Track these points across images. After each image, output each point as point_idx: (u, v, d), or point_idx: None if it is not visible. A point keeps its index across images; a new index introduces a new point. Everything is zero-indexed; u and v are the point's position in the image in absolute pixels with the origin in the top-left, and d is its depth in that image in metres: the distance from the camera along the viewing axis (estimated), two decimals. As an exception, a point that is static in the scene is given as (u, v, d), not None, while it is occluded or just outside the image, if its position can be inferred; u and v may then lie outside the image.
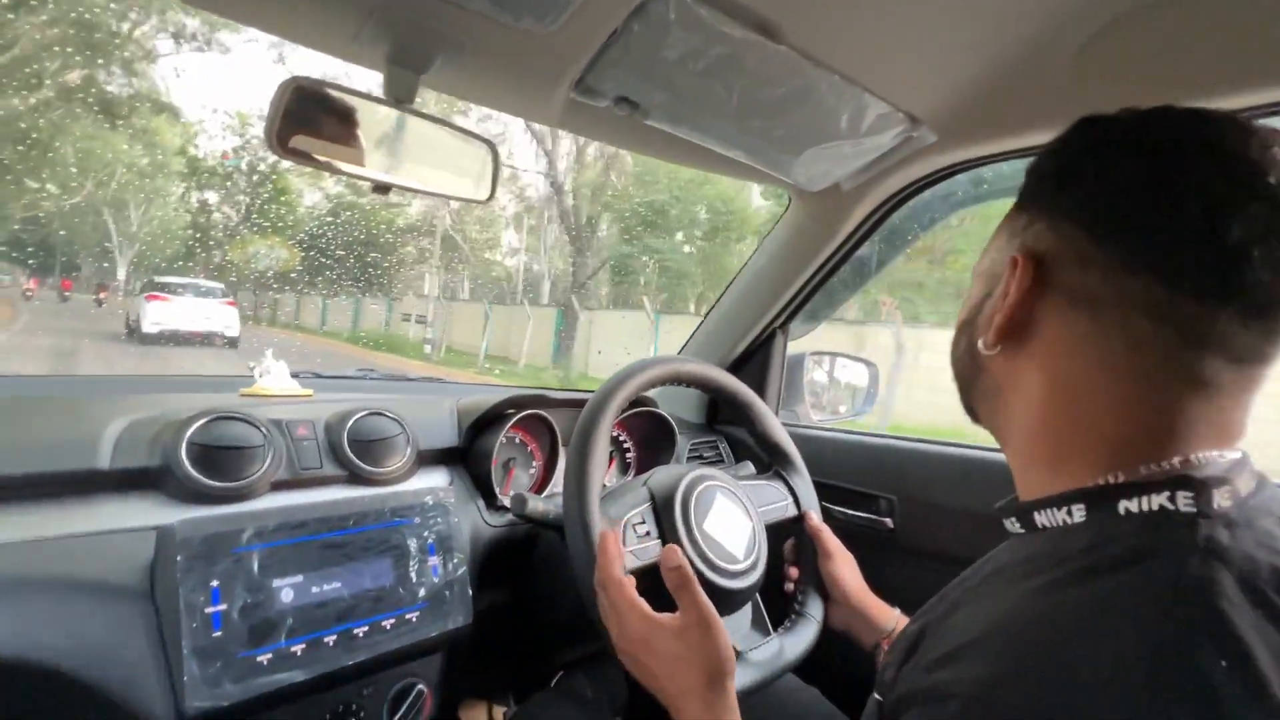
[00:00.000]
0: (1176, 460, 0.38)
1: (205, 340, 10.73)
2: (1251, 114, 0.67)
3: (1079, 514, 0.39)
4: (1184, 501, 0.36)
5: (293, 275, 19.15)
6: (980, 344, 0.45)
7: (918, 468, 1.07)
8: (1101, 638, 0.31)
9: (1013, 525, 0.44)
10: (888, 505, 1.09)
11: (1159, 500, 0.36)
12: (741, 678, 0.69)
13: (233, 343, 10.95)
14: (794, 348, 1.34)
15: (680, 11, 0.62)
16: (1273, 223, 0.35)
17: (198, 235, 20.28)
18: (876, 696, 0.45)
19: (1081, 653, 0.31)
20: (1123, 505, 0.37)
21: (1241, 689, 0.29)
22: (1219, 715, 0.29)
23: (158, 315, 10.35)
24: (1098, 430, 0.40)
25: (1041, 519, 0.41)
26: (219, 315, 10.99)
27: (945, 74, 0.73)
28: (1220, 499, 0.36)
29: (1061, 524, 0.40)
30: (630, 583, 0.64)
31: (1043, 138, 0.80)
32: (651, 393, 1.29)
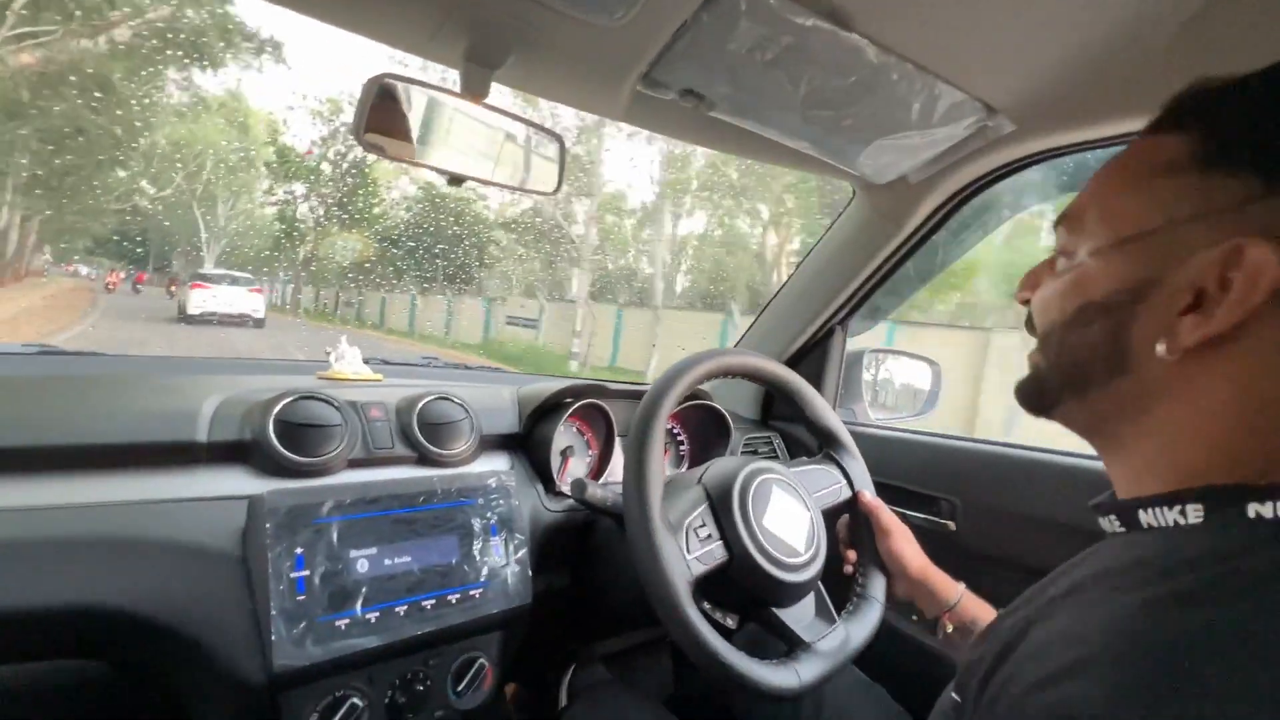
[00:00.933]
0: None
1: (238, 321, 13.03)
2: None
3: (1195, 515, 0.35)
4: None
5: (381, 271, 18.84)
6: (1160, 348, 0.36)
7: (981, 469, 1.03)
8: (1239, 664, 0.28)
9: (1111, 524, 0.40)
10: (949, 507, 1.06)
11: None
12: (810, 669, 0.69)
13: (259, 323, 13.26)
14: (854, 344, 1.32)
15: (751, 2, 0.62)
16: None
17: (284, 229, 20.43)
18: (955, 697, 0.41)
19: (1217, 679, 0.28)
20: (1252, 508, 0.33)
21: None
22: None
23: (200, 300, 12.73)
24: (1264, 443, 0.35)
25: (1147, 518, 0.37)
26: (248, 300, 13.40)
27: (1026, 60, 0.71)
28: None
29: (1173, 524, 0.36)
30: None
31: (1134, 124, 0.76)
32: (707, 387, 1.30)
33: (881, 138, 0.84)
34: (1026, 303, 0.46)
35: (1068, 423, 0.44)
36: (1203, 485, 0.35)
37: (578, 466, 1.08)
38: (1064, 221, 0.44)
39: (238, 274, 14.64)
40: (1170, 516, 0.36)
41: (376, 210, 18.85)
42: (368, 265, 18.86)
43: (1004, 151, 0.87)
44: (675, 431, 1.20)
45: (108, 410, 0.70)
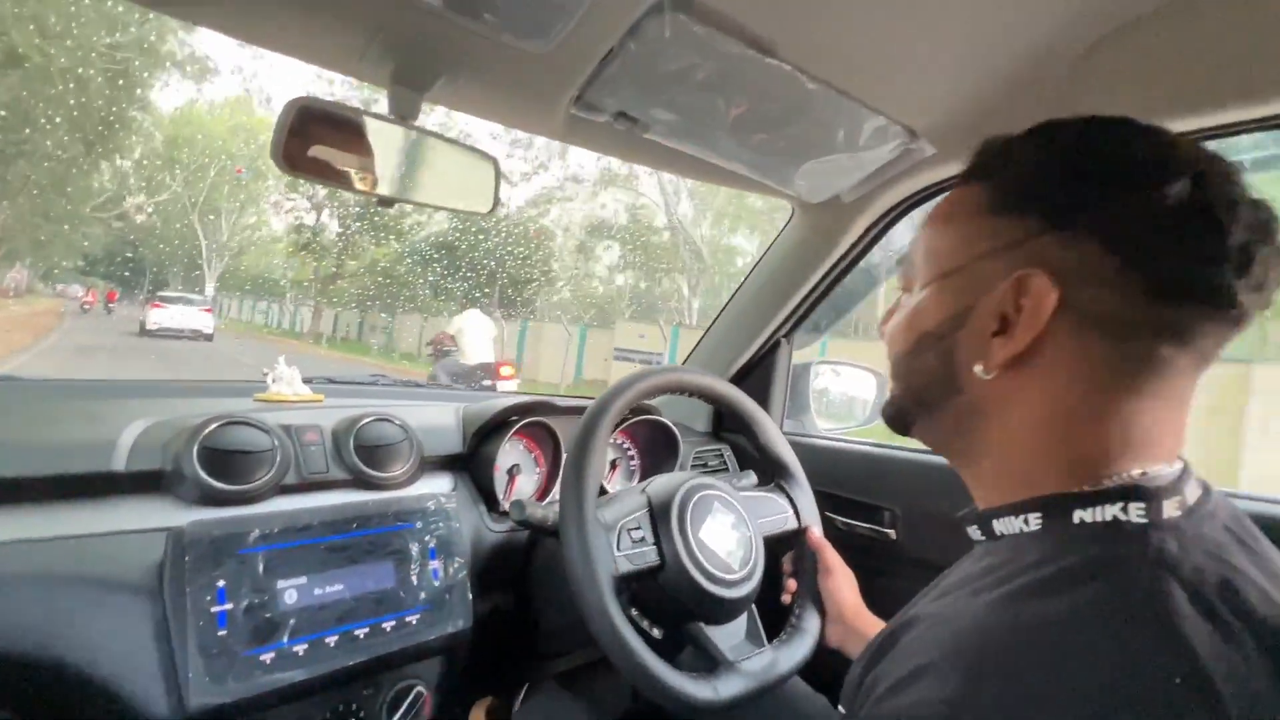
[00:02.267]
0: (1136, 471, 0.38)
1: (190, 336, 15.04)
2: (1244, 128, 0.67)
3: (1035, 522, 0.39)
4: (1136, 512, 0.36)
5: (413, 292, 16.77)
6: (978, 368, 0.41)
7: (920, 478, 1.06)
8: (1060, 654, 0.32)
9: (975, 533, 0.44)
10: (890, 516, 1.08)
11: (1112, 510, 0.37)
12: (730, 686, 0.69)
13: (209, 338, 15.37)
14: (799, 357, 1.34)
15: (675, 30, 0.64)
16: (1274, 259, 0.37)
17: (299, 245, 18.44)
18: (840, 709, 0.45)
19: (1042, 670, 0.31)
20: (1077, 515, 0.38)
21: (1196, 704, 0.29)
22: None
23: (156, 318, 14.95)
24: (1079, 447, 0.40)
25: (1000, 527, 0.42)
26: (199, 319, 15.53)
27: (941, 88, 0.74)
28: (1170, 509, 0.37)
29: (1019, 532, 0.40)
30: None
31: None
32: (659, 401, 1.31)
33: (812, 160, 0.87)
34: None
35: (924, 440, 0.49)
36: (1040, 495, 0.40)
37: (526, 484, 1.07)
38: (904, 264, 0.50)
39: (192, 296, 17.38)
40: (1016, 524, 0.41)
41: (408, 222, 16.87)
42: (398, 285, 16.99)
43: (929, 173, 0.91)
44: (625, 446, 1.20)
45: (16, 441, 0.67)
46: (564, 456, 1.09)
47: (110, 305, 21.85)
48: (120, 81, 14.20)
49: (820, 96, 0.74)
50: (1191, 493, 0.38)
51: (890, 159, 0.86)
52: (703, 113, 0.77)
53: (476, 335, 6.17)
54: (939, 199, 0.48)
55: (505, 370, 5.69)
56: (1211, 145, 0.70)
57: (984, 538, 0.43)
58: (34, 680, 0.58)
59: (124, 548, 0.65)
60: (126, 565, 0.64)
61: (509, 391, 1.28)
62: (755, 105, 0.76)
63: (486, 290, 15.04)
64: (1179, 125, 0.72)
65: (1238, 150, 0.78)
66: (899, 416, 0.50)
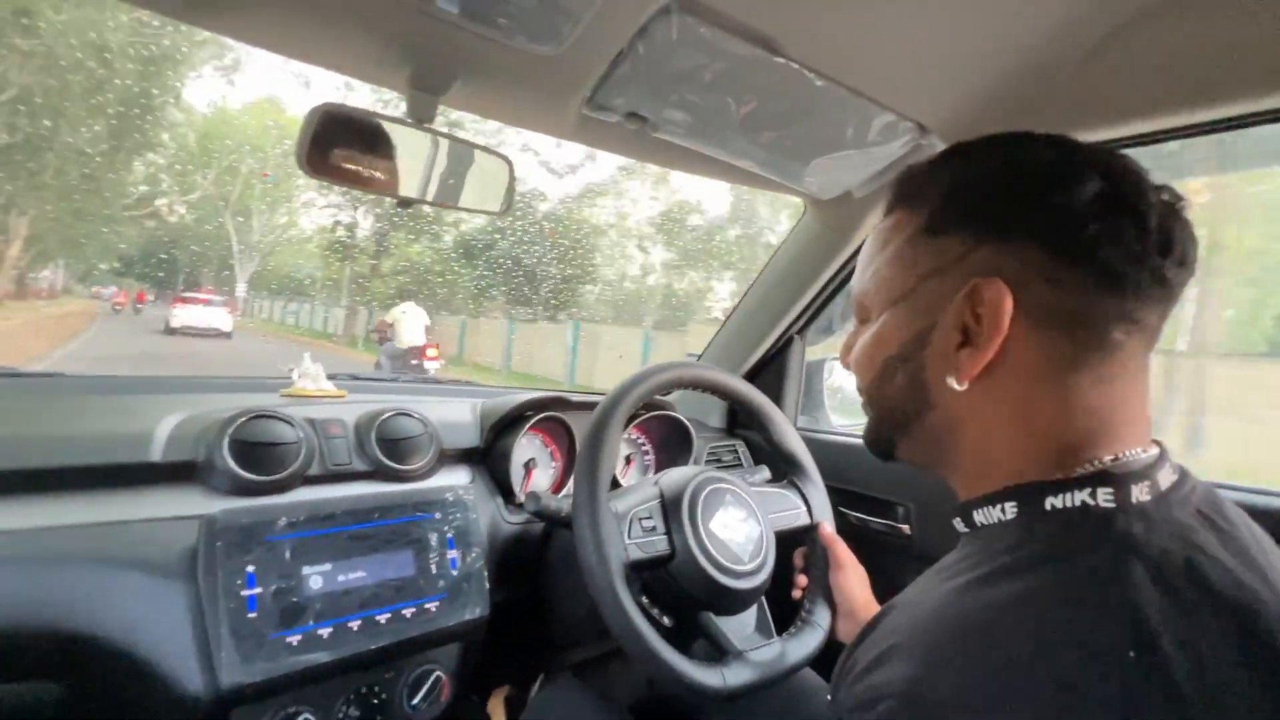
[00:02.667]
0: (1108, 458, 0.39)
1: (210, 334, 16.04)
2: (1250, 121, 0.66)
3: (1011, 511, 0.41)
4: (1104, 497, 0.38)
5: (460, 293, 16.18)
6: (951, 381, 0.43)
7: (935, 475, 1.06)
8: (1019, 632, 0.33)
9: (959, 525, 0.45)
10: (904, 512, 1.08)
11: (1081, 496, 0.38)
12: (738, 675, 0.71)
13: (227, 335, 16.39)
14: (814, 353, 1.35)
15: (683, 31, 0.65)
16: (1188, 233, 0.40)
17: (334, 244, 18.19)
18: (828, 696, 0.46)
19: (996, 650, 0.33)
20: (1048, 501, 0.39)
21: (1148, 676, 0.31)
22: (1127, 701, 0.30)
23: (180, 316, 16.02)
24: (1053, 438, 0.41)
25: (979, 517, 0.43)
26: (218, 316, 16.60)
27: (950, 82, 0.74)
28: (1139, 494, 0.38)
29: (996, 521, 0.42)
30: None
31: None
32: (674, 397, 1.32)
33: (822, 156, 0.87)
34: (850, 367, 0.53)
35: (909, 459, 0.51)
36: (1015, 484, 0.41)
37: (542, 478, 1.10)
38: (854, 296, 0.52)
39: (213, 296, 18.29)
40: (994, 514, 0.42)
41: (451, 217, 15.95)
42: (435, 284, 16.32)
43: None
44: (640, 442, 1.22)
45: (61, 433, 0.71)
46: (579, 450, 1.11)
47: (139, 306, 22.27)
48: (151, 67, 14.12)
49: (828, 93, 0.75)
50: (1165, 478, 0.39)
51: (901, 154, 0.87)
52: (712, 111, 0.78)
53: (410, 323, 7.23)
54: (881, 225, 0.49)
55: (430, 352, 6.98)
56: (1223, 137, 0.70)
57: (967, 529, 0.45)
58: (78, 655, 0.61)
59: (160, 533, 0.68)
60: (163, 550, 0.67)
61: (455, 379, 1.31)
62: (764, 103, 0.77)
63: (527, 289, 14.62)
64: (1188, 118, 0.71)
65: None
66: (880, 442, 0.51)
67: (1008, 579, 0.36)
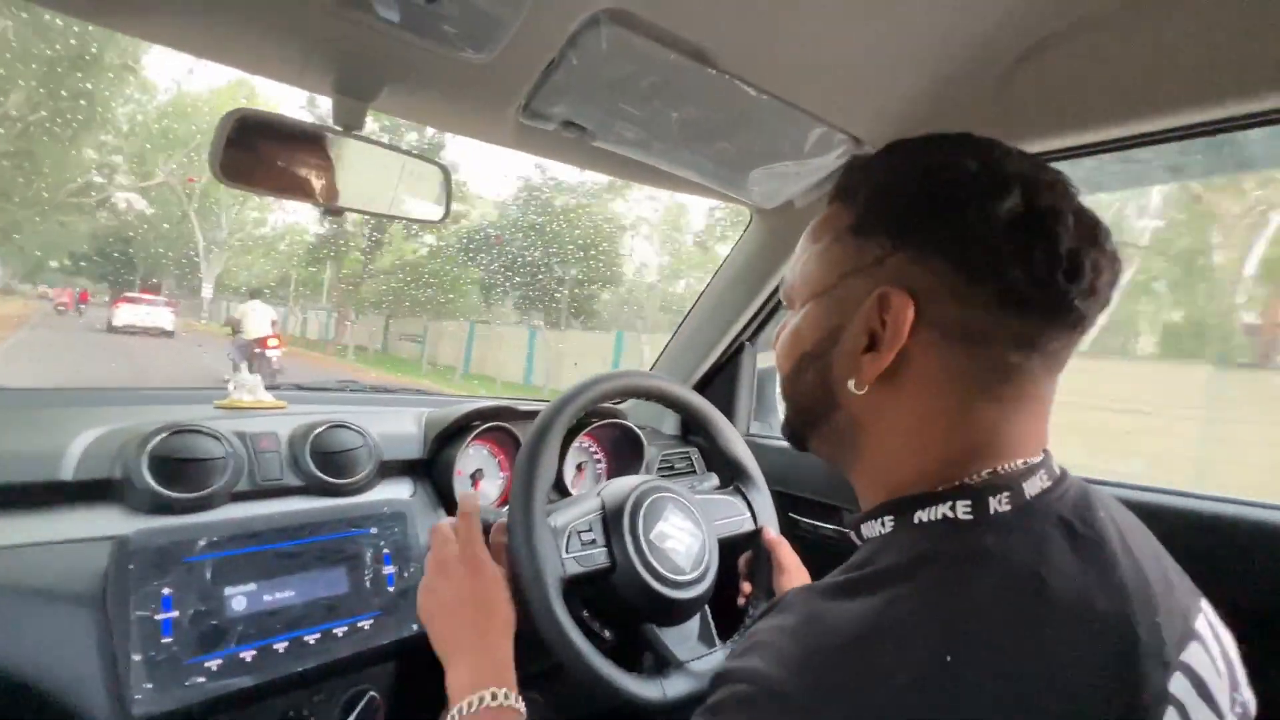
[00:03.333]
0: (986, 472, 0.40)
1: (154, 333, 15.97)
2: (1173, 135, 0.69)
3: (889, 524, 0.42)
4: (963, 510, 0.39)
5: (456, 297, 15.04)
6: (851, 384, 0.43)
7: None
8: (862, 642, 0.34)
9: (854, 537, 0.46)
10: (850, 516, 1.10)
11: (943, 510, 0.39)
12: (677, 686, 0.70)
13: (169, 334, 16.34)
14: (768, 359, 1.36)
15: (614, 41, 0.65)
16: (1103, 262, 0.40)
17: (317, 248, 16.85)
18: None
19: (849, 657, 0.34)
20: (917, 515, 0.40)
21: (988, 687, 0.32)
22: (936, 706, 0.31)
23: (123, 315, 15.80)
24: (938, 452, 0.42)
25: (866, 530, 0.44)
26: (161, 315, 16.62)
27: (881, 95, 0.75)
28: (996, 505, 0.38)
29: (878, 534, 0.43)
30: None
31: None
32: (628, 405, 1.32)
33: (761, 167, 0.88)
34: None
35: (819, 454, 0.51)
36: (893, 499, 0.42)
37: (490, 489, 1.08)
38: (784, 285, 0.51)
39: (156, 297, 18.37)
40: (876, 528, 0.43)
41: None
42: (435, 287, 15.11)
43: (879, 178, 0.92)
44: (592, 450, 1.21)
45: None
46: None
47: (82, 305, 20.92)
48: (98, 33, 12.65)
49: (763, 105, 0.76)
50: (1032, 486, 0.40)
51: (838, 165, 0.88)
52: (649, 121, 0.78)
53: (256, 318, 8.15)
54: (818, 216, 0.49)
55: (271, 342, 7.75)
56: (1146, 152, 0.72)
57: (860, 542, 0.45)
58: None
59: (70, 557, 0.65)
60: (70, 575, 0.64)
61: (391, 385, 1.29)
62: (700, 114, 0.77)
63: (543, 291, 13.83)
64: (1115, 131, 0.74)
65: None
66: (794, 435, 0.52)
67: (867, 591, 0.37)
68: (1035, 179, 0.40)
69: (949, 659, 0.32)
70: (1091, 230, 0.40)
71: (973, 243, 0.39)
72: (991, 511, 0.38)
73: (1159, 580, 0.39)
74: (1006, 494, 0.39)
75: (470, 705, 0.58)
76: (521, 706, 0.60)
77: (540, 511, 0.70)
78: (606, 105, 0.75)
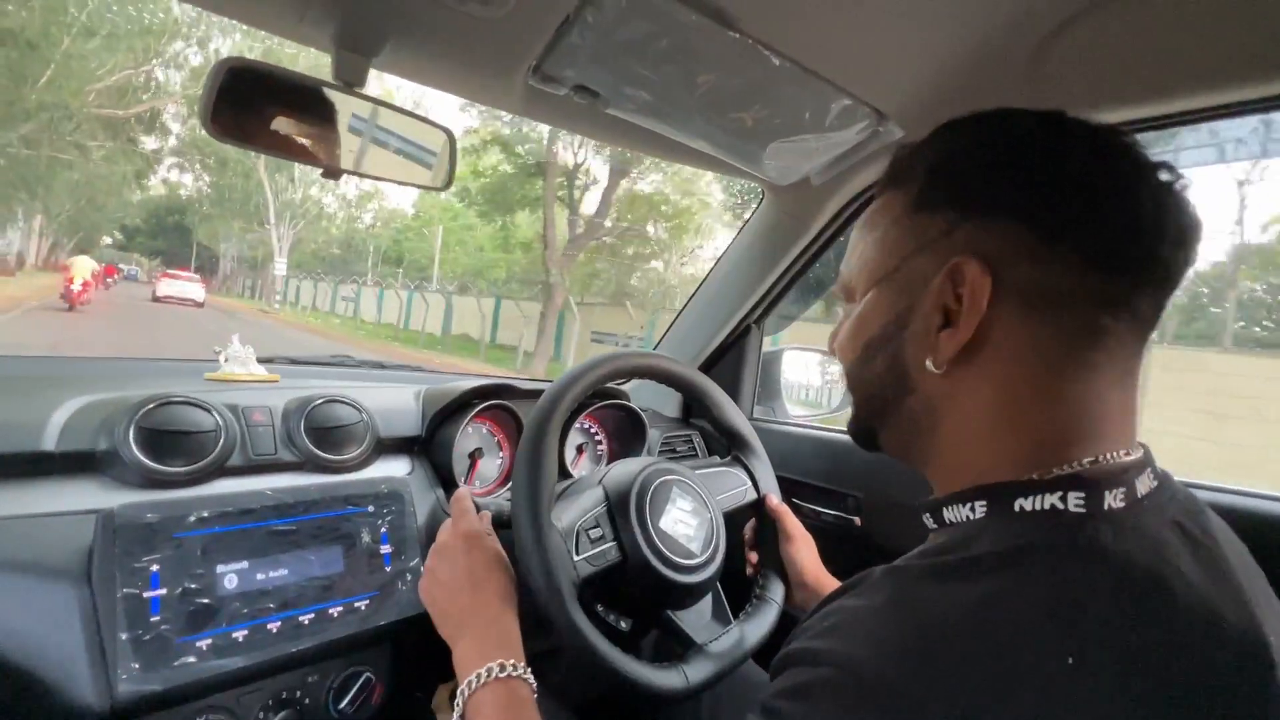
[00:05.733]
0: (1087, 460, 0.38)
1: (190, 303, 20.59)
2: (1202, 116, 0.66)
3: (980, 510, 0.39)
4: (1074, 502, 0.36)
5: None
6: (928, 364, 0.41)
7: (884, 466, 1.06)
8: (971, 632, 0.32)
9: (928, 521, 0.44)
10: (854, 503, 1.08)
11: (1051, 499, 0.37)
12: (699, 671, 0.69)
13: (200, 304, 20.76)
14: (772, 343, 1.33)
15: (632, -2, 0.61)
16: (1185, 218, 0.38)
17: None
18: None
19: (953, 645, 0.32)
20: (1018, 503, 0.37)
21: (1083, 683, 0.30)
22: (1060, 708, 0.30)
23: (164, 288, 20.87)
24: (1031, 434, 0.39)
25: (949, 514, 0.42)
26: (194, 289, 21.35)
27: (908, 68, 0.72)
28: (1112, 500, 0.36)
29: (965, 519, 0.40)
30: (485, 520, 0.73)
31: None
32: (630, 386, 1.29)
33: (779, 139, 0.85)
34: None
35: (890, 452, 0.49)
36: (986, 484, 0.40)
37: (489, 468, 1.05)
38: (840, 279, 0.50)
39: (190, 273, 23.06)
40: (964, 512, 0.40)
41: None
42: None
43: (899, 156, 0.89)
44: (593, 432, 1.19)
45: None
46: None
47: (109, 280, 21.55)
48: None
49: (785, 73, 0.72)
50: (1143, 484, 0.38)
51: (858, 141, 0.85)
52: (665, 87, 0.74)
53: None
54: (869, 207, 0.48)
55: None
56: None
57: (935, 526, 0.43)
58: None
59: (50, 531, 0.62)
60: (53, 549, 0.61)
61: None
62: (719, 81, 0.73)
63: None
64: (1146, 110, 0.71)
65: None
66: (863, 431, 0.50)
67: (968, 578, 0.35)
68: (1106, 136, 0.39)
69: (1071, 660, 0.30)
70: (1169, 184, 0.38)
71: (1047, 199, 0.38)
72: (1106, 506, 0.36)
73: (1261, 591, 0.38)
74: (1121, 490, 0.37)
75: (480, 677, 0.57)
76: (531, 678, 0.59)
77: (547, 514, 0.67)
78: (620, 69, 0.71)
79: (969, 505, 0.40)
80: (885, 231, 0.45)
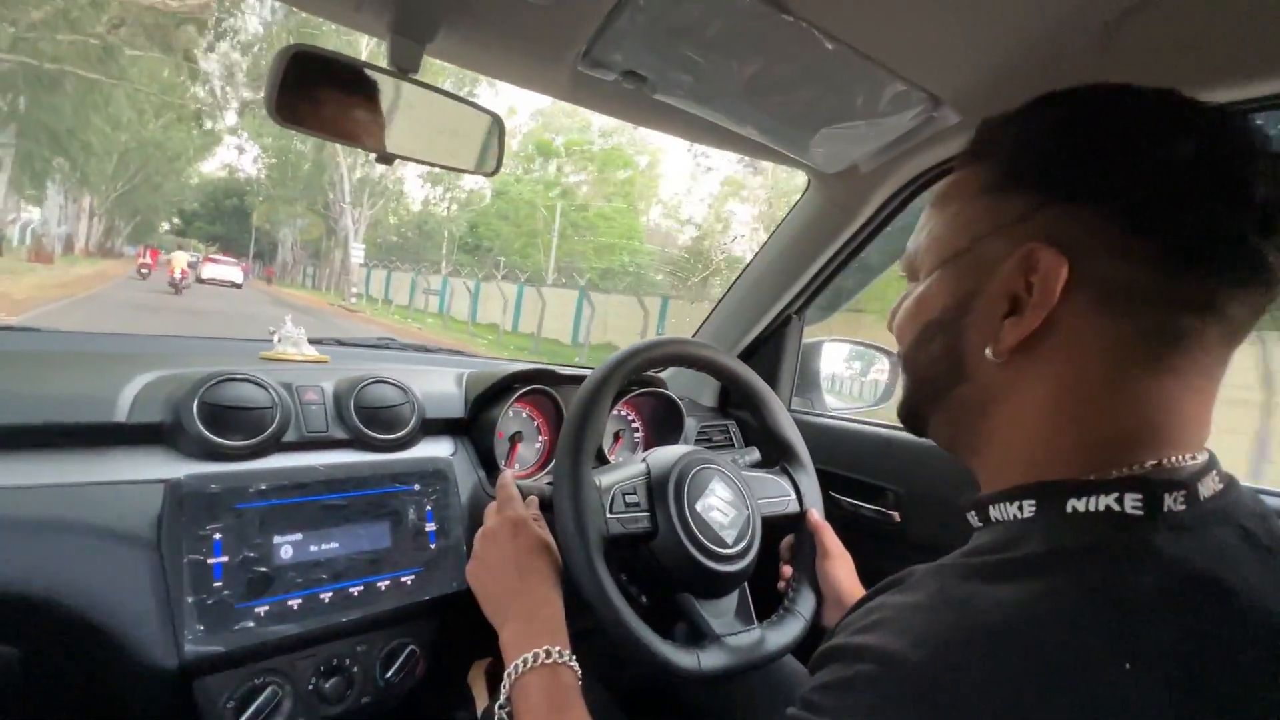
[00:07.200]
0: (1149, 463, 0.36)
1: (230, 286, 23.46)
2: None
3: (1029, 509, 0.38)
4: (1132, 504, 0.35)
5: None
6: (987, 352, 0.39)
7: (924, 461, 1.04)
8: (1018, 634, 0.31)
9: (973, 519, 0.43)
10: (894, 498, 1.07)
11: (1106, 501, 0.35)
12: (713, 659, 0.69)
13: (239, 286, 23.86)
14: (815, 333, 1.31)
15: (685, -19, 0.61)
16: None
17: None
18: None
19: (1000, 646, 0.31)
20: (1070, 504, 0.36)
21: (1141, 690, 0.29)
22: (1114, 713, 0.29)
23: (208, 270, 23.63)
24: (1091, 433, 0.38)
25: (995, 512, 0.40)
26: (234, 272, 24.60)
27: (967, 51, 0.70)
28: (1172, 503, 0.35)
29: (1012, 518, 0.39)
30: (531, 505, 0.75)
31: None
32: (667, 375, 1.29)
33: (828, 125, 0.83)
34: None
35: (938, 440, 0.47)
36: (1035, 482, 0.38)
37: (528, 452, 1.07)
38: (906, 255, 0.48)
39: (231, 258, 26.00)
40: (1011, 510, 0.39)
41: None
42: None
43: (953, 143, 0.86)
44: (630, 419, 1.20)
45: (26, 390, 0.68)
46: None
47: (144, 270, 21.16)
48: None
49: (838, 57, 0.70)
50: (1206, 487, 0.36)
51: (911, 127, 0.82)
52: (714, 72, 0.74)
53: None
54: (944, 181, 0.46)
55: None
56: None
57: (981, 524, 0.42)
58: (35, 620, 0.59)
59: (123, 497, 0.66)
60: (125, 514, 0.64)
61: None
62: (769, 65, 0.72)
63: None
64: (1218, 95, 0.67)
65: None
66: (912, 415, 0.48)
67: (1017, 579, 0.33)
68: (1220, 120, 0.35)
69: (1128, 666, 0.29)
70: None
71: (1142, 188, 0.35)
72: (1165, 509, 0.34)
73: None
74: (1182, 493, 0.35)
75: (526, 662, 0.58)
76: (575, 665, 0.60)
77: (588, 468, 0.69)
78: (670, 53, 0.71)
79: (1016, 504, 0.38)
80: (959, 209, 0.42)
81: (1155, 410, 0.36)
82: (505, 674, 0.59)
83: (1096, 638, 0.30)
